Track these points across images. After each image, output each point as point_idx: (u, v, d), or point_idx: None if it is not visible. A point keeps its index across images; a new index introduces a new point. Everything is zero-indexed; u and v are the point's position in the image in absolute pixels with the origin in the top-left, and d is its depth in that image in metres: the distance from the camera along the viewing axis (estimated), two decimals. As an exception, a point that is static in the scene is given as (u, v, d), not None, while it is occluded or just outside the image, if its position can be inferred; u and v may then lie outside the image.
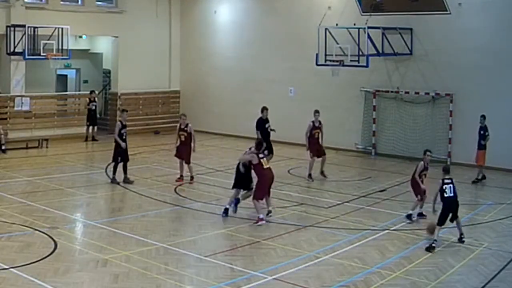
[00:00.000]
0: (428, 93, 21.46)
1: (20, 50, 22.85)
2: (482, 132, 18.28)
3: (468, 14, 20.75)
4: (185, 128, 17.52)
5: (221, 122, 26.89)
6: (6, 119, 23.40)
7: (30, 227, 12.63)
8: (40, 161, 20.59)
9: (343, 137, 22.48)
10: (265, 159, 14.07)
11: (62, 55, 23.31)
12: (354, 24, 20.88)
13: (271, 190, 14.22)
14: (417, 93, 21.70)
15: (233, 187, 14.30)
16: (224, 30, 27.37)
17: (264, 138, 18.41)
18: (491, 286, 10.21)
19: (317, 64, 20.88)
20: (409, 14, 21.75)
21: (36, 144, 23.02)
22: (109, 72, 28.21)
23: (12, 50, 22.96)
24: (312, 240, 12.50)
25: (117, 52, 27.05)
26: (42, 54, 22.76)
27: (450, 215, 12.35)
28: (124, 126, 17.13)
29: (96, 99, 25.56)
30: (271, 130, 18.77)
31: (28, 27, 22.58)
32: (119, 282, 9.91)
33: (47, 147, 23.04)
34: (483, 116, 18.32)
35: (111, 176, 17.22)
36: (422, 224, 13.52)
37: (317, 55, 20.60)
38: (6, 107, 23.58)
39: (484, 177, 18.33)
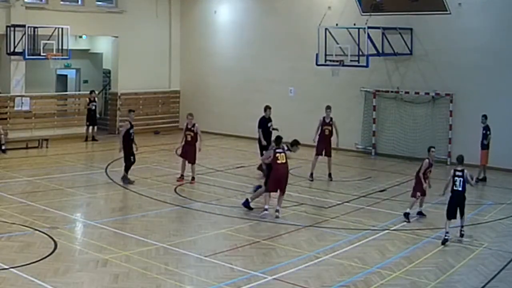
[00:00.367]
0: (428, 93, 21.46)
1: (20, 50, 22.85)
2: (484, 131, 18.29)
3: (468, 14, 20.75)
4: (192, 128, 17.55)
5: (221, 122, 26.88)
6: (6, 119, 23.40)
7: (30, 227, 12.63)
8: (40, 161, 20.59)
9: (343, 137, 22.42)
10: (283, 154, 14.23)
11: (62, 55, 23.31)
12: (354, 24, 20.88)
13: (285, 189, 14.34)
14: (417, 93, 21.70)
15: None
16: (224, 30, 27.37)
17: (265, 137, 18.52)
18: (491, 286, 10.22)
19: (317, 64, 20.88)
20: (409, 14, 21.75)
21: (36, 144, 23.01)
22: (109, 72, 28.20)
23: (12, 50, 22.96)
24: (312, 240, 12.50)
25: (117, 52, 27.05)
26: (42, 54, 22.76)
27: (458, 209, 12.39)
28: (132, 126, 17.14)
29: (96, 99, 25.55)
30: (273, 129, 18.77)
31: (28, 27, 22.58)
32: (119, 282, 9.91)
33: (47, 147, 23.03)
34: (485, 116, 18.32)
35: (123, 176, 17.13)
36: (423, 224, 13.53)
37: (317, 55, 20.61)
38: (6, 107, 23.58)
39: (484, 179, 18.32)
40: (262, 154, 18.73)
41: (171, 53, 28.69)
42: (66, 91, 28.24)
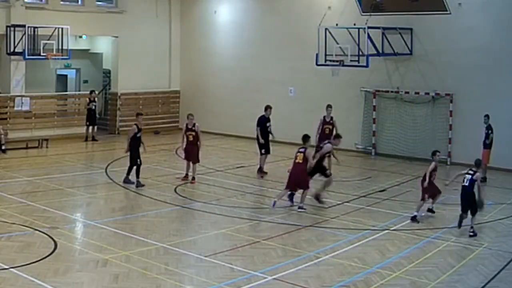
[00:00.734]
0: (428, 93, 21.46)
1: (20, 50, 22.85)
2: (486, 131, 18.31)
3: (468, 14, 20.75)
4: (193, 128, 17.58)
5: (221, 122, 26.88)
6: (6, 119, 23.41)
7: (30, 227, 12.62)
8: (40, 161, 20.59)
9: (343, 137, 22.46)
10: (301, 154, 14.78)
11: (62, 55, 23.32)
12: (354, 24, 20.89)
13: (304, 186, 14.83)
14: (417, 93, 21.70)
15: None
16: (224, 30, 27.37)
17: (263, 137, 18.58)
18: (491, 286, 10.21)
19: (317, 64, 20.89)
20: (409, 14, 21.75)
21: (36, 144, 23.02)
22: (109, 72, 28.21)
23: (12, 50, 22.97)
24: (312, 240, 12.50)
25: (117, 52, 27.06)
26: (42, 54, 22.76)
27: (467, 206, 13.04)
28: (140, 130, 16.97)
29: (96, 99, 25.54)
30: (269, 132, 18.80)
31: (28, 27, 22.58)
32: (119, 282, 9.91)
33: (47, 147, 23.03)
34: (487, 116, 18.32)
35: (135, 181, 16.80)
36: (423, 224, 13.54)
37: (317, 55, 20.61)
38: (6, 107, 23.59)
39: (484, 179, 18.30)
40: (261, 153, 18.82)
41: (171, 53, 28.69)
42: (66, 91, 28.24)
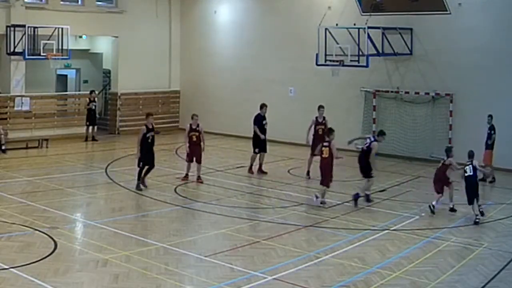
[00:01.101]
0: (428, 93, 21.46)
1: (20, 50, 22.86)
2: (489, 131, 18.29)
3: (468, 14, 20.75)
4: (197, 128, 17.57)
5: (221, 122, 26.88)
6: (6, 119, 23.41)
7: (30, 227, 12.62)
8: (40, 161, 20.59)
9: (343, 137, 22.44)
10: (326, 148, 15.17)
11: (62, 55, 23.32)
12: (354, 24, 20.89)
13: (326, 181, 15.25)
14: (417, 93, 21.70)
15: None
16: (224, 30, 27.37)
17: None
18: (491, 286, 10.21)
19: (317, 64, 20.88)
20: (409, 14, 21.75)
21: (36, 144, 23.02)
22: (109, 72, 28.21)
23: (12, 50, 22.97)
24: (312, 240, 12.50)
25: (117, 52, 27.06)
26: (42, 54, 22.77)
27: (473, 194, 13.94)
28: (149, 130, 16.42)
29: (96, 99, 25.54)
30: (263, 132, 18.86)
31: (28, 27, 22.59)
32: (119, 282, 9.91)
33: (47, 147, 23.04)
34: (490, 116, 18.31)
35: (135, 182, 16.56)
36: (423, 224, 13.53)
37: (317, 55, 20.61)
38: (6, 107, 23.59)
39: (484, 179, 18.31)
40: (254, 151, 18.88)
41: (171, 53, 28.69)
42: (66, 91, 28.25)
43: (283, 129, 24.08)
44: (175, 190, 16.55)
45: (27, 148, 22.70)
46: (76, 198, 15.86)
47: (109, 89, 28.24)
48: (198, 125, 17.60)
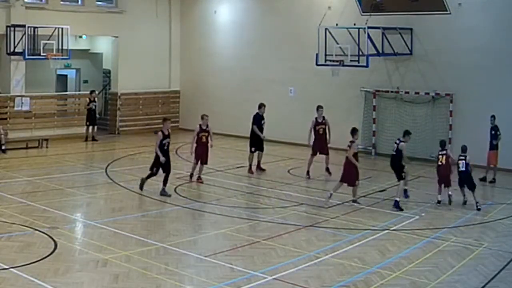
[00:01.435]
0: (428, 93, 21.46)
1: (20, 50, 22.85)
2: (493, 132, 18.24)
3: (468, 14, 20.75)
4: (207, 129, 17.55)
5: (221, 122, 26.81)
6: (6, 119, 23.40)
7: (30, 227, 12.62)
8: (40, 161, 20.58)
9: (343, 137, 22.43)
10: (352, 145, 15.62)
11: (62, 55, 23.31)
12: (354, 24, 20.88)
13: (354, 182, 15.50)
14: (417, 93, 21.70)
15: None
16: (224, 30, 27.37)
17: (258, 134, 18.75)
18: (491, 286, 10.21)
19: (317, 64, 20.88)
20: (409, 14, 21.74)
21: (36, 144, 23.01)
22: (109, 72, 28.20)
23: (12, 50, 22.96)
24: (312, 240, 12.50)
25: (117, 52, 27.06)
26: (42, 54, 22.76)
27: (466, 186, 15.13)
28: (166, 136, 15.71)
29: (96, 99, 25.52)
30: (261, 131, 18.90)
31: (28, 27, 22.58)
32: (119, 282, 9.91)
33: (47, 147, 23.03)
34: (493, 116, 18.29)
35: (138, 183, 16.30)
36: (423, 224, 13.54)
37: (317, 55, 20.60)
38: (6, 107, 23.58)
39: (484, 179, 18.32)
40: (251, 150, 18.92)
41: (171, 53, 28.69)
42: (66, 91, 28.24)
43: (283, 129, 24.07)
44: (175, 190, 16.54)
45: (27, 148, 22.69)
46: (76, 198, 15.86)
47: (109, 89, 28.24)
48: (207, 126, 17.58)
